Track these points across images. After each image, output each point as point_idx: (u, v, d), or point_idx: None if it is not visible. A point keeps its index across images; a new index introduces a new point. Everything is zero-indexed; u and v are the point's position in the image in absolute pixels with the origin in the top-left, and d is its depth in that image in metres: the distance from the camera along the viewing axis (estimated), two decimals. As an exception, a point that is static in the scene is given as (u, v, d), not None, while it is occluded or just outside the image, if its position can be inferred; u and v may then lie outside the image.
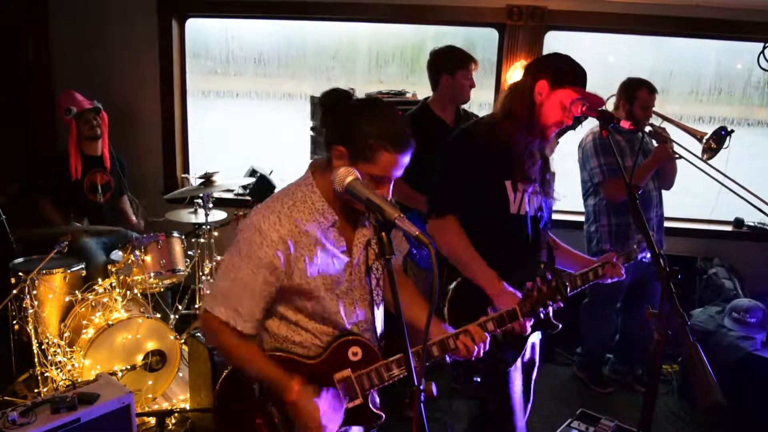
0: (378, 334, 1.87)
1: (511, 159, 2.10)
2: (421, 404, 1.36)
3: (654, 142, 3.62)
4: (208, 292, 1.71)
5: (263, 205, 1.70)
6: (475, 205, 2.11)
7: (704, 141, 3.54)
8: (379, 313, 1.88)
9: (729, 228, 4.51)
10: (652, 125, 3.61)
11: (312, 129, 4.10)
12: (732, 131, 3.53)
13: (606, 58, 5.03)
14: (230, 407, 1.77)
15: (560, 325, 2.17)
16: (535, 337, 2.36)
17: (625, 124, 2.02)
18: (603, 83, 4.99)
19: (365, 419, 1.81)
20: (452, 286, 2.15)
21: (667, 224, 3.90)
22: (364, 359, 1.77)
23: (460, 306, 2.12)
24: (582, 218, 3.80)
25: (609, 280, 2.27)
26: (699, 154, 3.53)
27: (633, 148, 3.51)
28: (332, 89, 1.75)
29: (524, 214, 2.16)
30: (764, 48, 3.95)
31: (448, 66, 3.20)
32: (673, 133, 3.66)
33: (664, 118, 3.65)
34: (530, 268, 2.16)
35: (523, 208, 2.15)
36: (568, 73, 2.09)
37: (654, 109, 3.56)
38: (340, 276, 1.74)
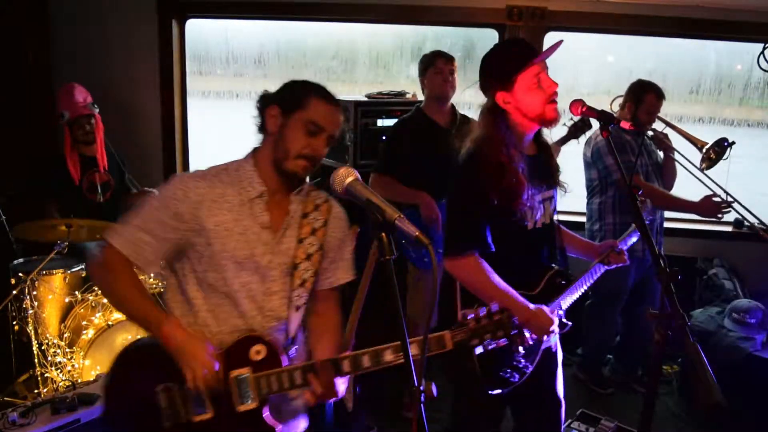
0: (290, 340, 1.75)
1: (517, 179, 2.00)
2: (421, 405, 1.35)
3: (660, 152, 3.65)
4: (117, 225, 1.70)
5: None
6: (495, 231, 2.04)
7: (704, 151, 3.54)
8: (296, 317, 1.75)
9: (729, 229, 4.51)
10: (654, 130, 3.62)
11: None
12: (733, 143, 3.53)
13: (606, 58, 5.03)
14: (119, 407, 1.67)
15: (570, 324, 2.16)
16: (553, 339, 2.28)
17: (625, 125, 2.01)
18: (603, 83, 5.01)
19: (255, 427, 1.65)
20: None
21: (667, 225, 3.91)
22: (267, 361, 1.64)
23: None
24: (580, 219, 3.80)
25: (614, 266, 2.26)
26: (698, 164, 3.55)
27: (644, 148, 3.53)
28: None
29: (540, 226, 2.11)
30: (764, 48, 3.95)
31: (421, 69, 3.40)
32: (674, 138, 3.67)
33: (668, 124, 3.66)
34: (548, 278, 2.14)
35: (540, 219, 2.11)
36: (507, 66, 2.00)
37: (658, 114, 3.57)
38: (255, 252, 1.68)
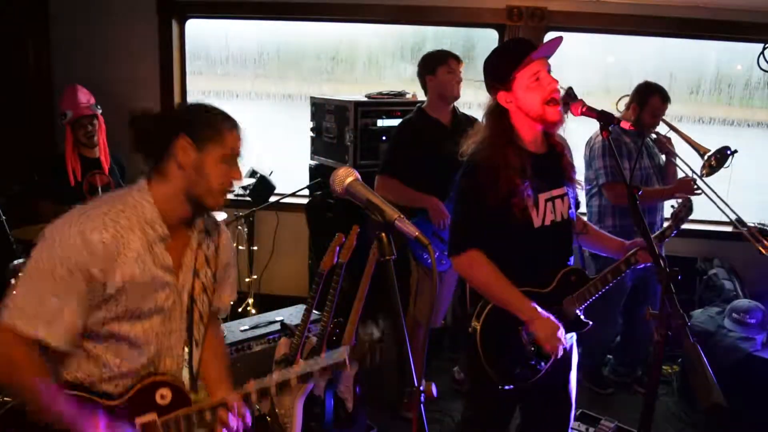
0: (193, 376, 1.71)
1: (520, 178, 2.00)
2: (421, 405, 1.35)
3: (662, 155, 3.64)
4: (8, 302, 1.46)
5: (89, 206, 1.55)
6: (499, 230, 2.03)
7: (706, 158, 3.54)
8: (196, 353, 1.70)
9: (729, 229, 4.51)
10: (657, 133, 3.62)
11: (312, 129, 4.10)
12: (735, 151, 3.51)
13: (606, 59, 5.03)
14: None
15: (590, 323, 2.18)
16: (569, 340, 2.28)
17: (625, 125, 2.01)
18: (603, 83, 5.01)
19: None
20: (488, 309, 2.07)
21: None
22: (173, 403, 1.60)
23: (495, 327, 2.07)
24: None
25: (642, 266, 2.18)
26: (698, 170, 3.54)
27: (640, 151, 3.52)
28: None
29: (549, 224, 2.09)
30: (764, 49, 3.95)
31: (429, 66, 3.29)
32: (676, 142, 3.66)
33: (671, 127, 3.66)
34: (561, 277, 2.14)
35: (548, 218, 2.09)
36: (505, 64, 2.01)
37: (663, 117, 3.57)
38: (159, 298, 1.59)
